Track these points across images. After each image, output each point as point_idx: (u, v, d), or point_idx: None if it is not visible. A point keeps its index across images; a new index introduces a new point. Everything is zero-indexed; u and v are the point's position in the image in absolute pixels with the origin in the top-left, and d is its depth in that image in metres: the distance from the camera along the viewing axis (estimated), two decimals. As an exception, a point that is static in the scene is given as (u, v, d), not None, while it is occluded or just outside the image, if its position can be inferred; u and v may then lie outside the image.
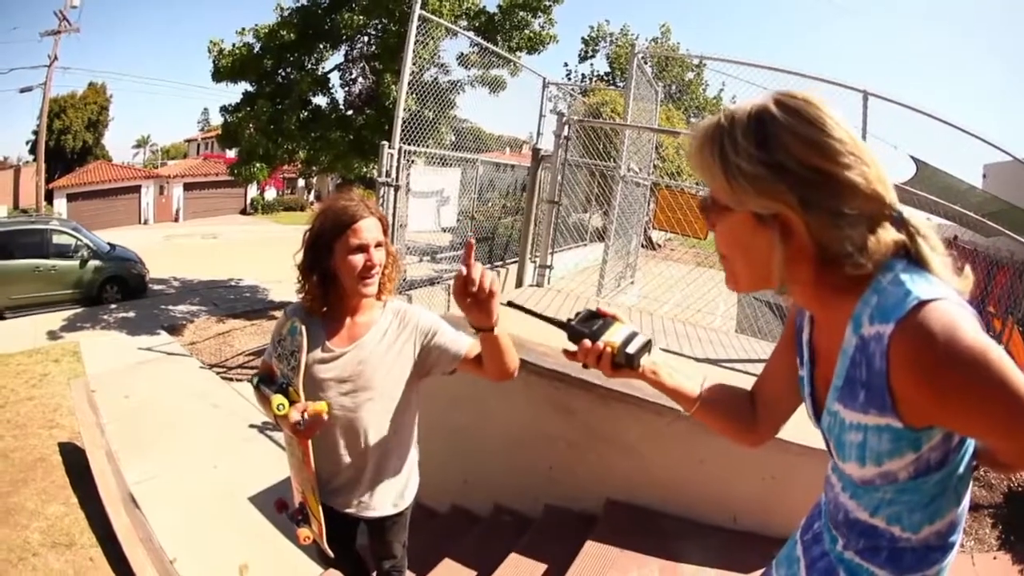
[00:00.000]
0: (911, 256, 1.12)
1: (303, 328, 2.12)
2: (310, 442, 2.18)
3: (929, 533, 1.27)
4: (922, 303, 1.03)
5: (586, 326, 1.54)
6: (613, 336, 1.51)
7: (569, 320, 1.57)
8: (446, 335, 2.34)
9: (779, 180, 1.06)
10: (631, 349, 1.49)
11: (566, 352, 1.56)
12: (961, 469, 1.24)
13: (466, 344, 2.32)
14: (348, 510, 2.39)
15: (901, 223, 1.12)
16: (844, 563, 1.41)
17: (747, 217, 1.13)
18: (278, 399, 2.06)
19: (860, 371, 1.13)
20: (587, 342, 1.51)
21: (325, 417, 2.10)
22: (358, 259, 2.13)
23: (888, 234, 1.10)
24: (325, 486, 2.32)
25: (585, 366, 1.54)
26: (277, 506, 2.54)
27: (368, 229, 2.16)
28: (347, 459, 2.30)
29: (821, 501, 1.57)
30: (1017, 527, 4.18)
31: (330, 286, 2.23)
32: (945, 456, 1.18)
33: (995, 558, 3.90)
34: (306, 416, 2.04)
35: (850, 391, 1.16)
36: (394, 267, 2.33)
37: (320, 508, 2.28)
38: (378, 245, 2.19)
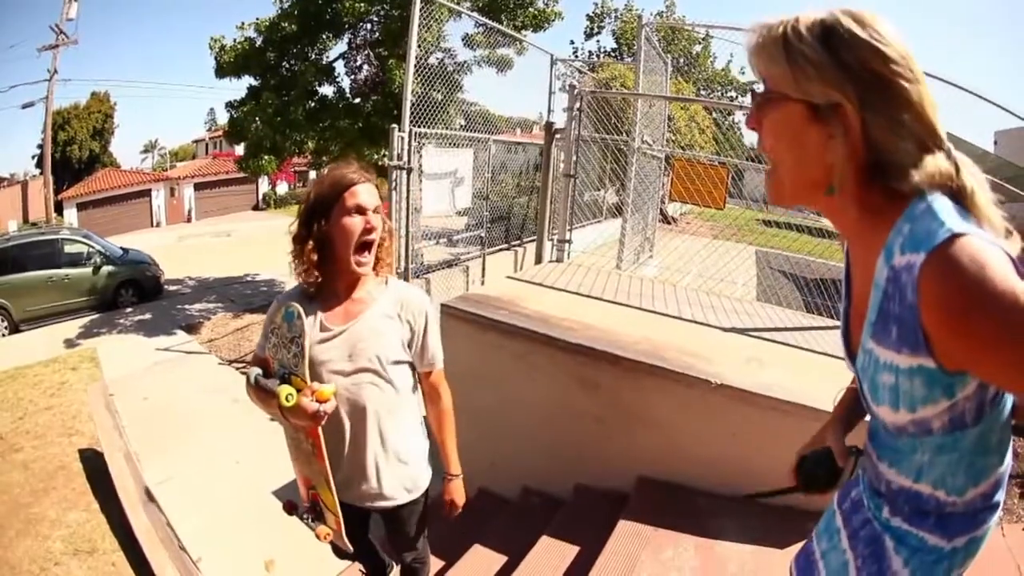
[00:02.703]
0: (954, 193, 1.09)
1: (300, 311, 2.04)
2: (320, 431, 2.08)
3: (975, 495, 1.25)
4: (954, 236, 0.98)
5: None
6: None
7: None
8: (433, 337, 2.37)
9: (841, 72, 1.05)
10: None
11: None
12: (999, 426, 1.22)
13: (437, 362, 2.42)
14: (359, 503, 2.31)
15: (950, 156, 1.10)
16: (891, 530, 1.37)
17: (803, 108, 1.10)
18: (286, 390, 1.96)
19: (893, 305, 1.09)
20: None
21: (335, 401, 2.02)
22: (356, 221, 2.09)
23: (938, 160, 1.08)
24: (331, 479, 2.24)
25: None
26: (286, 508, 2.43)
27: (365, 192, 2.12)
28: (350, 445, 2.23)
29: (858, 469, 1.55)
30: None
31: (326, 257, 2.15)
32: (980, 409, 1.16)
33: None
34: (321, 405, 1.96)
35: (883, 326, 1.12)
36: (391, 241, 2.29)
37: (336, 501, 2.19)
38: (375, 211, 2.15)
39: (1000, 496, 1.29)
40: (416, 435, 2.44)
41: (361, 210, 2.09)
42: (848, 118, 1.06)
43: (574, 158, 5.71)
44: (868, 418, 1.46)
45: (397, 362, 2.24)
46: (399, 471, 2.34)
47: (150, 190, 32.88)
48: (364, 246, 2.13)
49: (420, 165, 5.94)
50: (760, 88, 1.18)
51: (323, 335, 2.13)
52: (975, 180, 1.10)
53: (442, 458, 2.54)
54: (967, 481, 1.24)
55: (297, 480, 2.42)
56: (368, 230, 2.10)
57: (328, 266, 2.16)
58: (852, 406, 1.65)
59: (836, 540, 1.57)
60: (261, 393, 2.09)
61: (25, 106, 28.07)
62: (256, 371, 2.14)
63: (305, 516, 2.35)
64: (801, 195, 1.19)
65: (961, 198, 1.08)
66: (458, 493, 2.58)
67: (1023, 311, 0.93)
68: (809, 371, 3.72)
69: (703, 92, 24.33)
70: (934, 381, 1.09)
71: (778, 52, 1.10)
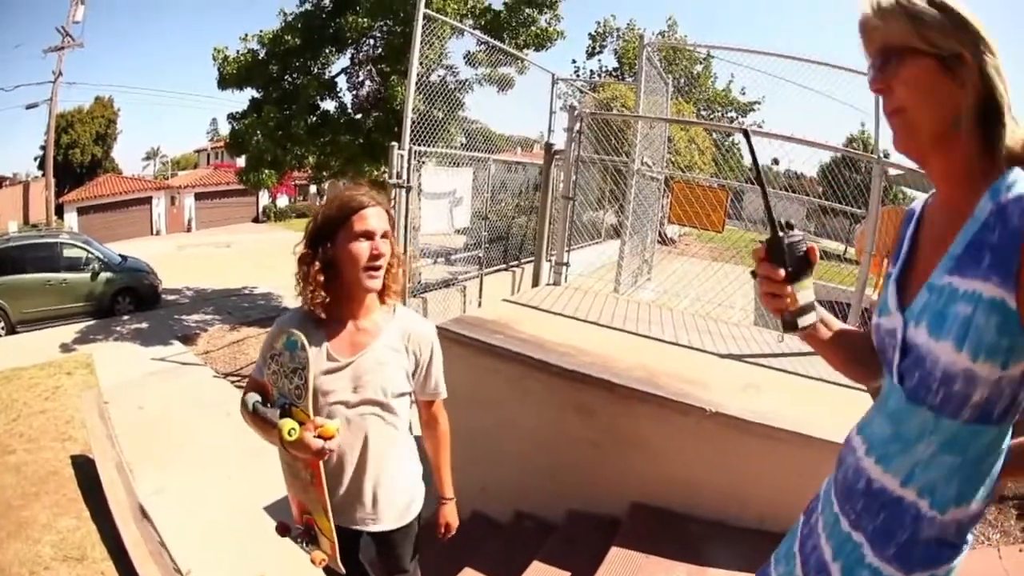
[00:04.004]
0: None
1: (303, 341, 2.00)
2: (321, 463, 2.05)
3: (952, 518, 1.25)
4: None
5: (792, 257, 1.40)
6: (801, 294, 1.43)
7: (782, 236, 1.41)
8: (437, 369, 2.37)
9: (957, 28, 1.18)
10: (802, 323, 1.45)
11: (757, 256, 1.46)
12: (1002, 446, 1.26)
13: (441, 392, 2.43)
14: (351, 526, 2.29)
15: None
16: (843, 555, 1.39)
17: (932, 62, 1.20)
18: (288, 424, 1.92)
19: (991, 234, 1.14)
20: (781, 272, 1.40)
21: (339, 438, 2.01)
22: (363, 247, 2.06)
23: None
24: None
25: (753, 274, 1.48)
26: (279, 530, 2.40)
27: (374, 216, 2.09)
28: (349, 473, 2.21)
29: (822, 487, 1.58)
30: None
31: (332, 280, 2.12)
32: (1011, 406, 1.19)
33: (1021, 550, 3.83)
34: (325, 443, 1.94)
35: (974, 256, 1.16)
36: (399, 268, 2.25)
37: (333, 528, 2.16)
38: (384, 236, 2.12)
39: (970, 537, 1.29)
40: (412, 460, 2.43)
41: (369, 235, 2.07)
42: (970, 66, 1.18)
43: (573, 180, 5.73)
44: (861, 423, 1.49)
45: (401, 394, 2.24)
46: (395, 496, 2.33)
47: (151, 198, 32.98)
48: (370, 271, 2.10)
49: (420, 184, 5.95)
50: (885, 49, 1.27)
51: (330, 365, 2.11)
52: None
53: (436, 482, 2.55)
54: (954, 495, 1.24)
55: (290, 502, 2.39)
56: (375, 256, 2.07)
57: (334, 290, 2.13)
58: (843, 341, 1.59)
59: (792, 566, 1.59)
60: (260, 422, 2.06)
61: (29, 107, 28.17)
62: (255, 397, 2.11)
63: (299, 539, 2.32)
64: (937, 139, 1.24)
65: None
66: (452, 516, 2.58)
67: None
68: (807, 398, 3.75)
69: (703, 112, 24.40)
70: (1005, 331, 1.11)
71: (901, 14, 1.21)
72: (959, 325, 1.15)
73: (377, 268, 2.10)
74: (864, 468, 1.37)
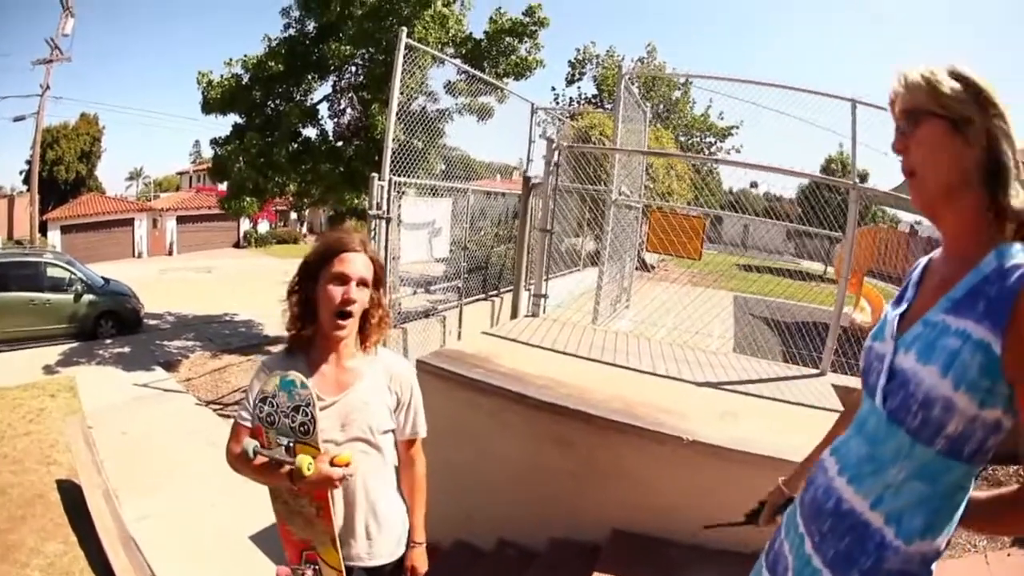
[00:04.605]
0: None
1: (302, 379, 2.04)
2: (330, 493, 2.10)
3: (917, 551, 1.31)
4: None
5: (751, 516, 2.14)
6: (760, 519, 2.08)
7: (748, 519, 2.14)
8: (418, 410, 2.44)
9: (970, 96, 1.31)
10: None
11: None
12: (969, 488, 1.34)
13: (420, 431, 2.48)
14: (347, 563, 2.31)
15: None
16: None
17: (944, 125, 1.32)
18: (306, 460, 1.96)
19: (991, 287, 1.25)
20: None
21: (355, 464, 2.07)
22: (336, 290, 2.10)
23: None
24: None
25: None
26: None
27: (353, 262, 2.14)
28: (342, 510, 2.25)
29: (786, 512, 1.69)
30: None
31: (309, 316, 2.18)
32: (979, 449, 1.28)
33: (1009, 555, 3.87)
34: (344, 470, 2.01)
35: (970, 302, 1.28)
36: (383, 319, 2.31)
37: (341, 559, 2.21)
38: (362, 284, 2.16)
39: (933, 567, 1.34)
40: (398, 498, 2.49)
41: (344, 279, 2.11)
42: (978, 127, 1.29)
43: (551, 212, 5.80)
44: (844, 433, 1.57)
45: (386, 431, 2.29)
46: (387, 531, 2.38)
47: (133, 219, 32.92)
48: (341, 316, 2.13)
49: (399, 214, 6.00)
50: (905, 114, 1.40)
51: (318, 404, 2.12)
52: None
53: (409, 524, 2.55)
54: (921, 526, 1.30)
55: (284, 542, 2.38)
56: (345, 301, 2.11)
57: (314, 328, 2.19)
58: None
59: None
60: (261, 466, 2.08)
61: (17, 119, 27.68)
62: (253, 443, 2.08)
63: None
64: (944, 196, 1.37)
65: None
66: (420, 561, 2.56)
67: None
68: (784, 424, 3.82)
69: (682, 138, 24.59)
70: (986, 372, 1.22)
71: (921, 84, 1.34)
72: (947, 355, 1.25)
73: (345, 316, 2.14)
74: (835, 488, 1.44)
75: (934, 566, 1.34)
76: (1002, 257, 1.25)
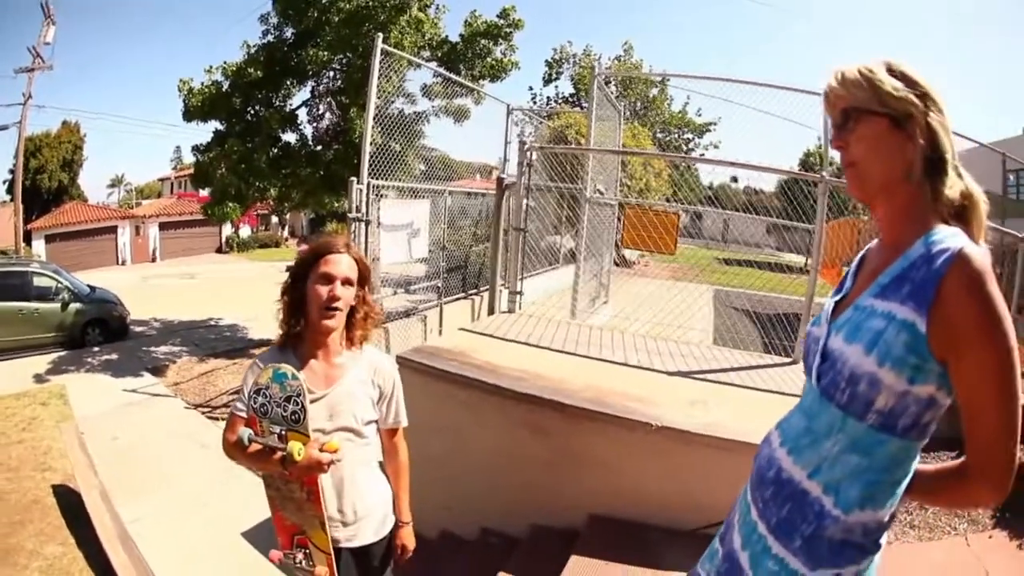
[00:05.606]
0: (964, 207, 1.41)
1: (293, 371, 2.19)
2: (320, 478, 2.25)
3: (857, 520, 1.37)
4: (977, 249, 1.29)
5: None
6: None
7: None
8: (399, 401, 2.61)
9: (910, 91, 1.38)
10: None
11: None
12: (909, 463, 1.39)
13: (402, 421, 2.65)
14: (335, 545, 2.44)
15: (960, 174, 1.42)
16: (751, 544, 1.55)
17: (885, 122, 1.39)
18: (296, 445, 2.11)
19: (916, 272, 1.32)
20: None
21: (341, 453, 2.23)
22: (323, 289, 2.28)
23: (963, 180, 1.41)
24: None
25: None
26: (274, 560, 2.51)
27: (338, 263, 2.33)
28: (331, 495, 2.39)
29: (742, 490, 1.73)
30: (1010, 502, 4.27)
31: (300, 315, 2.36)
32: (915, 424, 1.35)
33: (990, 536, 3.93)
34: (332, 455, 2.17)
35: (896, 286, 1.35)
36: (369, 316, 2.49)
37: (330, 541, 2.35)
38: (347, 283, 2.34)
39: (880, 540, 1.40)
40: (382, 482, 2.66)
41: (329, 279, 2.30)
42: (918, 123, 1.37)
43: (523, 212, 5.90)
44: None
45: (369, 421, 2.46)
46: (371, 512, 2.54)
47: (116, 227, 32.79)
48: (328, 312, 2.30)
49: (379, 216, 6.11)
50: (846, 110, 1.47)
51: (309, 397, 2.27)
52: (981, 196, 1.41)
53: (396, 507, 2.72)
54: (859, 497, 1.36)
55: (277, 528, 2.53)
56: (331, 298, 2.29)
57: (304, 325, 2.37)
58: None
59: (715, 560, 1.76)
60: (255, 453, 2.23)
61: (0, 128, 27.71)
62: (248, 432, 2.23)
63: (300, 561, 2.45)
64: (881, 190, 1.45)
65: (968, 210, 1.40)
66: (409, 539, 2.77)
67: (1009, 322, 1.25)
68: (752, 409, 3.91)
69: (660, 135, 24.64)
70: (912, 349, 1.29)
71: (861, 82, 1.41)
72: (872, 334, 1.33)
73: (332, 310, 2.31)
74: (777, 458, 1.54)
75: (883, 539, 1.41)
76: (929, 243, 1.32)
